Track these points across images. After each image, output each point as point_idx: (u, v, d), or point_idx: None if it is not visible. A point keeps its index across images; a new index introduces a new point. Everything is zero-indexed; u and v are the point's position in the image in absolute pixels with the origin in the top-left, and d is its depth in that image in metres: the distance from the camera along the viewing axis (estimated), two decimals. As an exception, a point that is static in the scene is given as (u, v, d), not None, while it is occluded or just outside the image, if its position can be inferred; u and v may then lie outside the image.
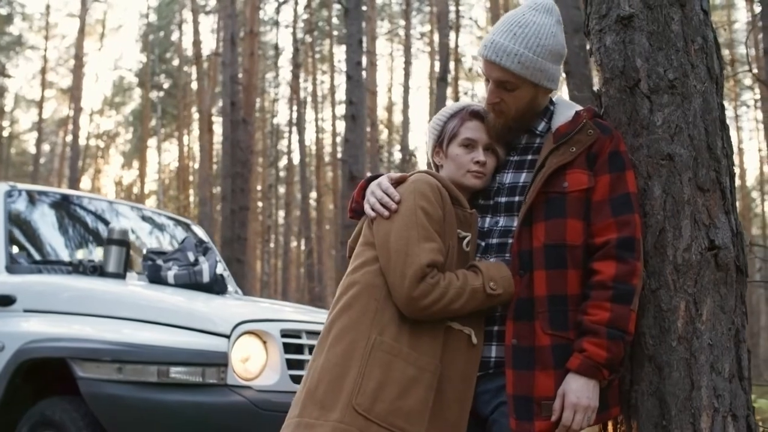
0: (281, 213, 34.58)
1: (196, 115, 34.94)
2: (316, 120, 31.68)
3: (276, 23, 30.21)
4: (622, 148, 2.36)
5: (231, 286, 4.83)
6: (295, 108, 29.65)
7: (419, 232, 2.22)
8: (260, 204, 33.73)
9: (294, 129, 30.93)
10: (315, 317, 4.53)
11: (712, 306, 2.35)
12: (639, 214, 2.31)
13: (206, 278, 4.58)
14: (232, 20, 15.55)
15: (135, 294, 4.37)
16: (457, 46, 26.00)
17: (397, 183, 2.35)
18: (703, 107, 2.43)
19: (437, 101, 14.37)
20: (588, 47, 2.63)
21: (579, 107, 2.47)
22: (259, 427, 3.78)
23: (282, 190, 33.86)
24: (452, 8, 30.95)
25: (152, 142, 36.26)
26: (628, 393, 2.39)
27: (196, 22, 25.44)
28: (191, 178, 34.63)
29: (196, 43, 25.39)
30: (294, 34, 27.59)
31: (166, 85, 35.27)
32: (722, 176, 2.43)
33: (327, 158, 32.46)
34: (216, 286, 4.65)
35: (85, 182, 34.75)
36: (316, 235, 28.26)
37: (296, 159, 32.13)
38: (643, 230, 2.36)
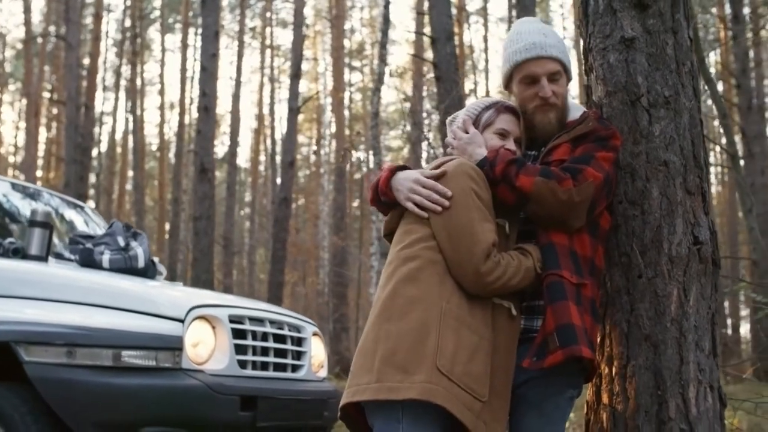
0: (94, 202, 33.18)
1: (5, 97, 32.90)
2: (141, 108, 30.72)
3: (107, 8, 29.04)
4: (614, 142, 2.65)
5: (161, 271, 4.77)
6: (120, 95, 28.71)
7: (478, 214, 2.41)
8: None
9: (116, 117, 29.95)
10: (253, 304, 4.61)
11: (696, 293, 2.73)
12: (599, 173, 2.52)
13: (141, 263, 4.53)
14: (76, 2, 14.89)
15: (78, 277, 4.21)
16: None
17: (436, 177, 2.48)
18: (690, 122, 2.83)
19: (290, 98, 14.50)
20: (589, 62, 2.96)
21: (585, 109, 2.80)
22: (214, 411, 3.81)
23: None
24: (282, 5, 31.09)
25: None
26: (625, 368, 2.73)
27: (26, 1, 23.95)
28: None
29: (27, 23, 23.90)
30: (124, 20, 26.72)
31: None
32: (704, 182, 2.83)
33: (151, 147, 31.59)
34: (149, 271, 4.62)
35: None
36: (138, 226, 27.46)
37: (119, 148, 31.10)
38: (641, 225, 2.72)
